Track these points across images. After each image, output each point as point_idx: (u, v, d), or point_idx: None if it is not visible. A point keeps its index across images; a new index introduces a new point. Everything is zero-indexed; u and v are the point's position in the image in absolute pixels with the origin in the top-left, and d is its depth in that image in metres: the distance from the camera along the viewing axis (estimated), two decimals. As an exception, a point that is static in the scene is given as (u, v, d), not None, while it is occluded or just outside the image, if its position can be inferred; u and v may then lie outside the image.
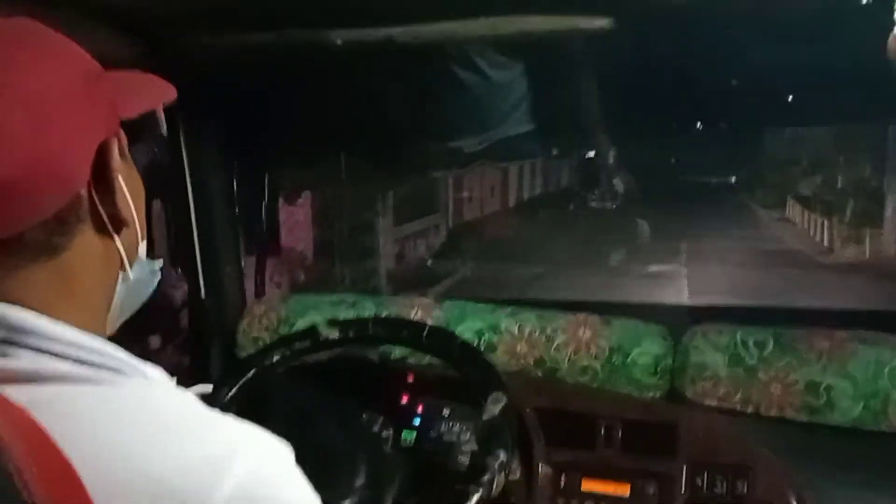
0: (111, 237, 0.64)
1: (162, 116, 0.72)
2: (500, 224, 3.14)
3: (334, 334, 1.33)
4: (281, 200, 1.99)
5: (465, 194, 3.13)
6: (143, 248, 0.69)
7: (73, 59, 0.62)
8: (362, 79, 1.52)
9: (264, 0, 1.00)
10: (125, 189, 0.64)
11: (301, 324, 1.54)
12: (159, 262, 0.72)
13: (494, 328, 1.45)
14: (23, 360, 0.56)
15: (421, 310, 1.52)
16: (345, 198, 2.97)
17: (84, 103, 0.60)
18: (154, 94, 0.69)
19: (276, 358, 1.32)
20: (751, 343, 1.30)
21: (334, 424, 1.16)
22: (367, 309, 1.55)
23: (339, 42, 1.08)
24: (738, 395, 1.29)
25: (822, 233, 2.76)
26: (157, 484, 0.53)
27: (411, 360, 1.46)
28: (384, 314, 1.53)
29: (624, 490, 1.21)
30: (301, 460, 0.61)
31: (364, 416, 1.35)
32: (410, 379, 1.41)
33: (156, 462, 0.54)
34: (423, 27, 1.07)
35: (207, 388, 0.72)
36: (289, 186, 2.05)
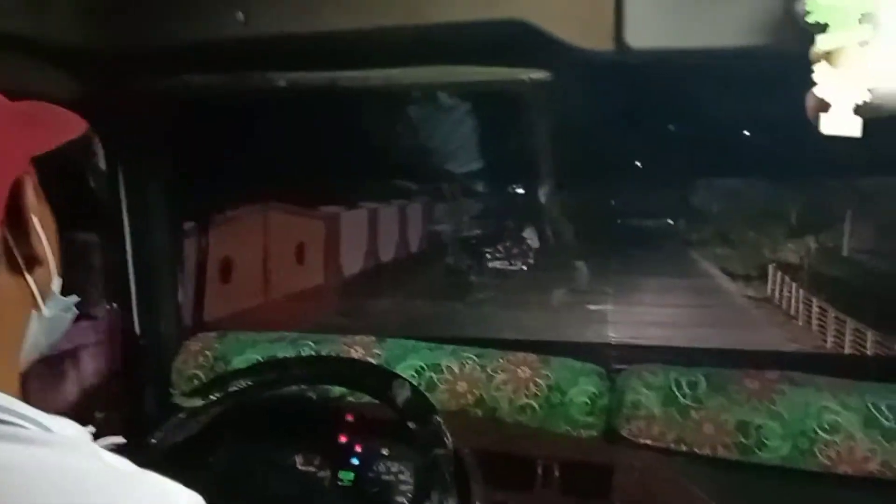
0: (24, 275, 0.63)
1: (101, 151, 0.71)
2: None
3: (196, 403, 1.20)
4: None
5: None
6: (56, 283, 0.68)
7: None
8: (305, 120, 1.52)
9: (209, 46, 1.00)
10: (39, 227, 0.64)
11: (237, 361, 1.52)
12: (74, 299, 0.71)
13: (435, 367, 1.45)
14: None
15: (362, 348, 1.51)
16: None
17: None
18: (65, 127, 0.68)
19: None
20: (684, 383, 1.33)
21: (270, 468, 1.14)
22: (307, 348, 1.54)
23: (283, 84, 1.09)
24: (672, 434, 1.31)
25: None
26: None
27: (351, 399, 1.45)
28: (324, 353, 1.52)
29: (562, 531, 1.22)
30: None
31: (300, 457, 1.34)
32: (350, 418, 1.39)
33: None
34: (366, 73, 1.09)
35: (118, 439, 0.71)
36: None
